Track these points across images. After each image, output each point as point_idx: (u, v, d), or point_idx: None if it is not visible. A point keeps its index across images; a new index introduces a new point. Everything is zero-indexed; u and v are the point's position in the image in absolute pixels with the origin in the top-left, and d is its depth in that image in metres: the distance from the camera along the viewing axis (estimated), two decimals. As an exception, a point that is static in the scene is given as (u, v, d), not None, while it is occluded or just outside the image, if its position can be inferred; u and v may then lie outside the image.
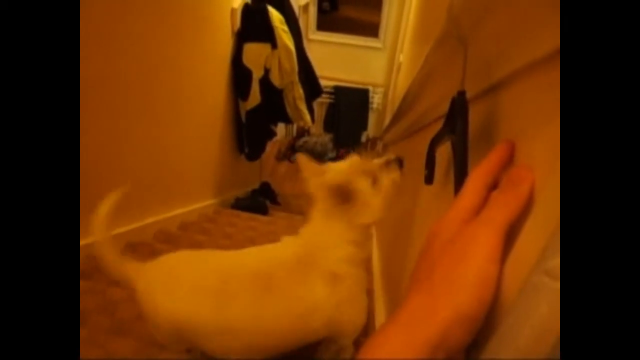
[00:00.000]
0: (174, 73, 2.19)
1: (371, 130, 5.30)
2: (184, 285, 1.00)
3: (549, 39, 0.33)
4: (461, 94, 0.49)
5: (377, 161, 1.05)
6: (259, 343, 1.03)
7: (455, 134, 0.49)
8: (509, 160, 0.39)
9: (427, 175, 0.73)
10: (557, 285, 0.26)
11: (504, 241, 0.33)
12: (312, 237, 1.05)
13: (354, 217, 1.00)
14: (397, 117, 2.10)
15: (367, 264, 1.81)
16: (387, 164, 1.05)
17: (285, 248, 1.07)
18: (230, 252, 1.12)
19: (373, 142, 5.25)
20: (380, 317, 1.51)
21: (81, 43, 1.35)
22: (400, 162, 1.06)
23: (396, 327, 0.34)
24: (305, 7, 4.74)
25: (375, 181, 1.01)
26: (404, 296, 0.37)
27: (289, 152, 4.93)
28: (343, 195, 0.98)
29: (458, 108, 0.49)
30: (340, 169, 1.04)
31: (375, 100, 5.12)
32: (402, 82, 3.16)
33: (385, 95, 5.04)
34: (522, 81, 0.43)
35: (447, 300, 0.32)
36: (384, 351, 0.33)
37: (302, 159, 1.10)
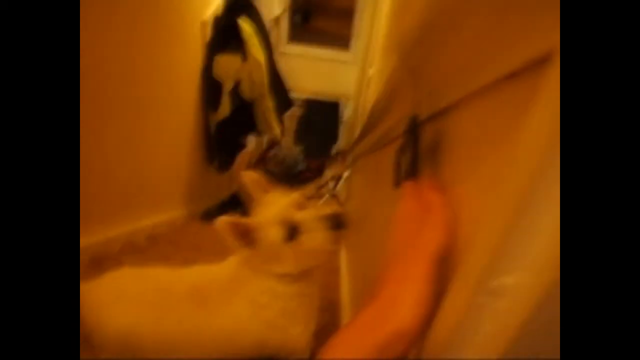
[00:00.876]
0: (144, 84, 2.18)
1: (342, 142, 5.33)
2: (126, 301, 1.03)
3: (501, 64, 0.36)
4: (413, 119, 0.56)
5: (307, 216, 0.97)
6: (195, 355, 1.06)
7: (410, 149, 0.56)
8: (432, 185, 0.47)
9: (395, 179, 0.78)
10: (501, 304, 0.28)
11: (437, 265, 0.39)
12: (239, 265, 1.08)
13: (260, 264, 1.01)
14: (366, 130, 2.12)
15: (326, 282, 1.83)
16: (323, 219, 0.96)
17: (223, 268, 1.12)
18: (171, 269, 1.15)
19: (343, 154, 5.28)
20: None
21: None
22: (337, 222, 0.96)
23: (351, 332, 0.41)
24: (277, 20, 4.76)
25: (297, 232, 0.96)
26: (361, 305, 0.43)
27: (259, 164, 4.93)
28: (247, 239, 0.97)
29: (409, 132, 0.56)
30: (268, 207, 1.01)
31: (346, 112, 5.16)
32: (372, 95, 3.20)
33: (355, 108, 5.08)
34: (472, 106, 0.46)
35: (392, 315, 0.38)
36: (339, 350, 0.40)
37: (249, 176, 1.09)
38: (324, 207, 1.01)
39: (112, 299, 1.04)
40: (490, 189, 0.35)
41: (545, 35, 0.27)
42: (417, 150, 0.55)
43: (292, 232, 0.96)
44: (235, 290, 1.05)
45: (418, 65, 0.61)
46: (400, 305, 0.38)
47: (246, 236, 0.97)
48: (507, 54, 0.35)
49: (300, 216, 0.97)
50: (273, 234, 0.95)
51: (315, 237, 0.96)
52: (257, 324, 1.04)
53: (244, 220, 0.96)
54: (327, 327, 1.49)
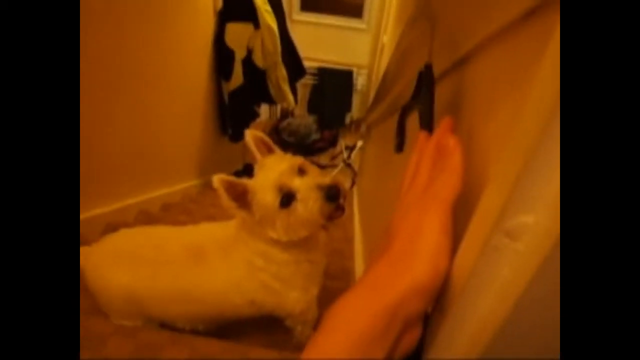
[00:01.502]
0: (156, 53, 2.16)
1: (355, 111, 5.30)
2: (124, 259, 1.07)
3: (512, 6, 0.35)
4: (428, 66, 0.51)
5: (308, 181, 0.96)
6: (192, 310, 1.10)
7: (422, 104, 0.51)
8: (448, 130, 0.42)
9: (398, 143, 0.75)
10: (518, 245, 0.27)
11: (452, 214, 0.35)
12: (239, 225, 1.08)
13: (256, 226, 1.00)
14: (378, 98, 2.11)
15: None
16: (319, 188, 0.95)
17: (221, 228, 1.14)
18: (170, 227, 1.20)
19: (357, 123, 5.25)
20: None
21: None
22: (333, 193, 0.95)
23: (358, 292, 0.36)
24: (289, -13, 4.69)
25: (294, 200, 0.95)
26: (367, 264, 0.39)
27: (273, 133, 4.92)
28: (241, 200, 0.97)
29: (425, 79, 0.51)
30: (268, 170, 0.99)
31: (360, 81, 5.11)
32: (385, 64, 3.16)
33: (369, 76, 5.03)
34: (486, 53, 0.45)
35: (407, 269, 0.34)
36: (344, 313, 0.35)
37: (252, 134, 1.08)
38: (323, 176, 1.00)
39: (112, 259, 1.08)
40: (507, 131, 0.34)
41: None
42: (432, 99, 0.50)
43: (287, 198, 0.95)
44: (232, 249, 1.07)
45: (435, 13, 0.58)
46: (416, 257, 0.34)
47: (242, 198, 0.96)
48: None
49: (297, 183, 0.95)
50: (268, 198, 0.94)
51: (309, 207, 0.94)
52: (252, 283, 1.06)
53: (240, 181, 0.96)
54: (340, 293, 1.51)
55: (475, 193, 0.36)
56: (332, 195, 0.94)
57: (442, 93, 0.53)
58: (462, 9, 0.49)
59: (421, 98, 0.52)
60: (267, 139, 1.08)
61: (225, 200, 0.94)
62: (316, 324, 1.18)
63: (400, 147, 0.75)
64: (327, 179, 0.97)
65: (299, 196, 0.94)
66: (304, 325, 1.19)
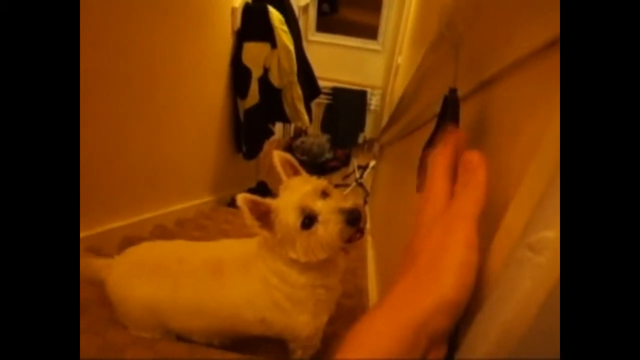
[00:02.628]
0: (173, 71, 2.20)
1: (368, 131, 5.31)
2: (145, 272, 1.09)
3: (539, 33, 0.36)
4: (453, 90, 0.51)
5: (330, 204, 0.97)
6: (208, 324, 1.12)
7: (449, 122, 0.51)
8: (463, 145, 0.42)
9: (419, 183, 0.72)
10: (540, 259, 0.28)
11: (477, 229, 0.35)
12: (260, 243, 1.09)
13: (276, 246, 1.01)
14: (394, 118, 2.12)
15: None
16: (341, 212, 0.96)
17: (239, 245, 1.16)
18: (190, 242, 1.23)
19: (370, 143, 5.27)
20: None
21: (82, 41, 1.38)
22: (354, 217, 0.96)
23: (382, 310, 0.35)
24: (305, 8, 4.75)
25: (315, 222, 0.96)
26: (391, 283, 0.38)
27: (286, 152, 4.95)
28: (263, 219, 0.98)
29: (450, 103, 0.51)
30: (292, 191, 1.00)
31: (373, 101, 5.14)
32: (399, 84, 3.19)
33: (383, 97, 5.06)
34: (511, 77, 0.46)
35: (433, 285, 0.33)
36: (369, 333, 0.34)
37: (279, 155, 1.09)
38: (346, 200, 1.01)
39: (133, 271, 1.11)
40: (531, 150, 0.35)
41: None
42: (458, 122, 0.50)
43: (309, 220, 0.96)
44: (250, 265, 1.08)
45: (460, 38, 0.59)
46: (443, 273, 0.33)
47: (265, 217, 0.98)
48: (543, 23, 0.35)
49: (319, 205, 0.96)
50: (290, 219, 0.95)
51: (329, 229, 0.95)
52: (264, 300, 1.07)
53: (264, 200, 0.97)
54: (353, 311, 1.51)
55: (500, 209, 0.37)
56: (353, 219, 0.95)
57: (466, 114, 0.53)
58: (488, 35, 0.51)
59: (446, 122, 0.52)
60: (294, 161, 1.10)
61: (249, 218, 0.95)
62: (318, 353, 1.19)
63: (421, 187, 0.73)
64: (348, 202, 0.98)
65: (320, 218, 0.95)
66: (305, 350, 1.19)
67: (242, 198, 0.93)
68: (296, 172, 1.10)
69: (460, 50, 0.56)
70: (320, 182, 1.03)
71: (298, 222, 0.95)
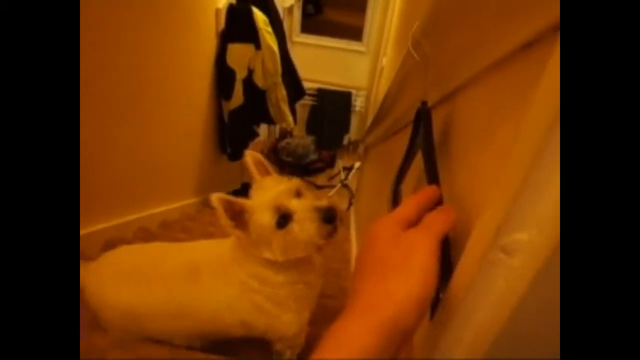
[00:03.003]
0: (158, 72, 2.19)
1: (353, 133, 5.33)
2: (122, 276, 1.09)
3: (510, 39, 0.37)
4: (424, 103, 0.54)
5: (305, 203, 0.97)
6: (187, 327, 1.11)
7: (423, 139, 0.54)
8: (436, 199, 0.46)
9: (390, 203, 0.72)
10: (513, 261, 0.29)
11: (439, 245, 0.39)
12: (235, 245, 1.09)
13: (251, 247, 1.01)
14: (377, 120, 2.13)
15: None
16: (316, 210, 0.95)
17: (219, 246, 1.14)
18: (167, 244, 1.22)
19: (355, 144, 5.28)
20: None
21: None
22: (330, 215, 0.95)
23: (354, 313, 0.38)
24: (290, 10, 4.75)
25: (290, 221, 0.95)
26: (351, 289, 0.41)
27: (271, 153, 4.94)
28: (237, 219, 0.97)
29: (422, 115, 0.54)
30: (265, 190, 1.00)
31: (358, 103, 5.14)
32: (384, 86, 3.20)
33: (367, 98, 5.07)
34: (481, 82, 0.48)
35: (400, 284, 0.37)
36: (344, 336, 0.36)
37: (251, 155, 1.09)
38: (320, 199, 1.00)
39: (110, 276, 1.10)
40: (504, 155, 0.36)
41: (546, 12, 0.28)
42: (431, 139, 0.52)
43: (284, 219, 0.95)
44: (227, 268, 1.07)
45: (428, 54, 0.62)
46: (410, 273, 0.37)
47: (239, 217, 0.96)
48: (511, 31, 0.36)
49: (294, 204, 0.96)
50: (265, 218, 0.94)
51: (306, 228, 0.94)
52: (243, 304, 1.06)
53: (238, 200, 0.96)
54: (337, 313, 1.51)
55: (474, 213, 0.38)
56: (329, 217, 0.95)
57: (438, 122, 0.56)
58: (451, 50, 0.53)
59: (420, 137, 0.55)
60: (265, 161, 1.09)
61: (223, 218, 0.94)
62: (302, 353, 1.19)
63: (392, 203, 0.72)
64: (323, 201, 0.97)
65: (295, 217, 0.95)
66: (292, 349, 1.19)
67: (216, 198, 0.92)
68: (267, 173, 1.09)
69: (428, 66, 0.60)
70: (293, 182, 1.02)
71: (273, 222, 0.94)
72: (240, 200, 0.97)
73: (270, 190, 0.98)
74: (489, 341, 0.31)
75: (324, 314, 1.22)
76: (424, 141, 0.53)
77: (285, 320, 1.09)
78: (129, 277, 1.08)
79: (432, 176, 0.49)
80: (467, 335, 0.34)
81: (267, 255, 0.99)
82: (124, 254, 1.17)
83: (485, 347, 0.31)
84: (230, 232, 0.98)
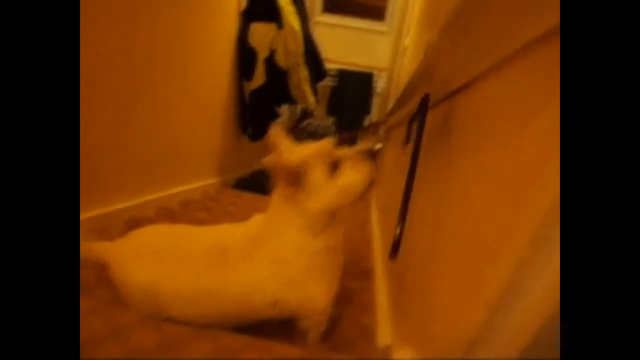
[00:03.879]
0: (179, 52, 2.20)
1: (374, 114, 5.30)
2: (147, 256, 1.10)
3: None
4: (425, 96, 0.72)
5: (347, 151, 1.06)
6: (211, 312, 1.11)
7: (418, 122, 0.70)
8: None
9: (405, 139, 1.05)
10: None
11: None
12: (265, 220, 1.12)
13: (302, 202, 1.04)
14: (400, 102, 2.11)
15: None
16: (358, 156, 1.05)
17: (244, 227, 1.16)
18: (193, 226, 1.22)
19: (376, 126, 5.25)
20: (381, 296, 1.53)
21: (88, 24, 1.37)
22: (373, 155, 1.06)
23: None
24: (312, -11, 4.70)
25: (336, 170, 1.03)
26: None
27: (292, 134, 4.94)
28: (292, 177, 1.02)
29: (421, 106, 0.71)
30: (300, 151, 1.05)
31: (379, 84, 5.11)
32: (407, 67, 3.15)
33: (389, 79, 5.02)
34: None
35: None
36: None
37: (275, 132, 1.12)
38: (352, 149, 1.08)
39: (135, 255, 1.11)
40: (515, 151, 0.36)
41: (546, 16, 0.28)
42: (424, 122, 0.67)
43: (334, 166, 1.03)
44: (256, 249, 1.08)
45: (433, 64, 0.74)
46: None
47: (290, 175, 1.02)
48: (514, 34, 0.36)
49: (341, 152, 1.04)
50: (317, 169, 1.01)
51: (356, 171, 1.03)
52: (276, 283, 1.07)
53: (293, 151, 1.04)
54: (359, 292, 1.52)
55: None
56: (372, 155, 1.05)
57: (439, 114, 0.70)
58: (454, 59, 0.64)
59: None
60: (289, 138, 1.13)
61: (277, 150, 1.04)
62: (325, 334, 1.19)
63: (407, 140, 1.04)
64: (355, 149, 1.07)
65: (342, 164, 1.03)
66: (316, 327, 1.19)
67: (275, 130, 1.07)
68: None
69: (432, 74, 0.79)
70: (323, 142, 1.09)
71: (326, 169, 1.02)
72: (293, 161, 1.02)
73: (308, 148, 1.06)
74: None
75: (346, 295, 1.23)
76: (417, 131, 0.68)
77: (318, 290, 1.11)
78: (153, 257, 1.09)
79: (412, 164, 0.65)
80: (515, 317, 0.33)
81: (319, 205, 1.03)
82: (149, 233, 1.18)
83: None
84: (290, 196, 1.04)
